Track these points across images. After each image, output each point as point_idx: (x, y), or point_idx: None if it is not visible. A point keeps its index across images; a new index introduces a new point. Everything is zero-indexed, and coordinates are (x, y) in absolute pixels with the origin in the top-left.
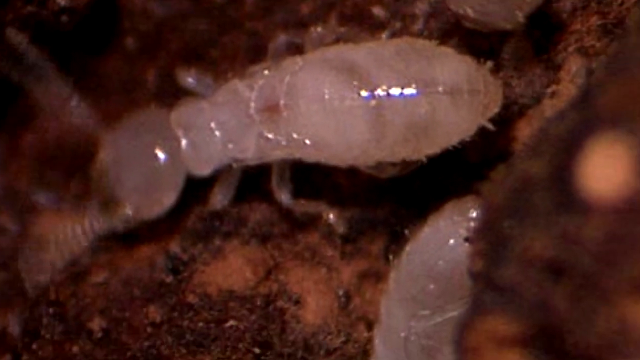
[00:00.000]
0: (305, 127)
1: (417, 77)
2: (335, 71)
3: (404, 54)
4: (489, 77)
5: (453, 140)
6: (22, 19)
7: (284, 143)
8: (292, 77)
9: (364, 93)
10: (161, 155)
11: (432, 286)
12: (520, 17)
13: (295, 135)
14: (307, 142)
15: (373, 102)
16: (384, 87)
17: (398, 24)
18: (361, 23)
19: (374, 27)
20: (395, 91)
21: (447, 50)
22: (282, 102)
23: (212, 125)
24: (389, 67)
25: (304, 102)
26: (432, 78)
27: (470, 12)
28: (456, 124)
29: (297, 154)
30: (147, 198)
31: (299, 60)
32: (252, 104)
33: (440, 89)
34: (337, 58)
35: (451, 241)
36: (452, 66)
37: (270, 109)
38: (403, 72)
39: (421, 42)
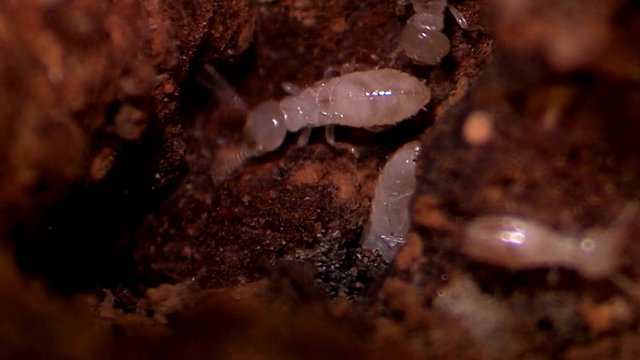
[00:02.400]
0: (340, 109)
1: (391, 86)
2: (353, 84)
3: (386, 75)
4: (424, 86)
5: (408, 115)
6: (211, 60)
7: (330, 116)
8: (334, 87)
9: (367, 94)
10: (275, 121)
11: (398, 182)
12: (438, 59)
13: (336, 113)
14: (341, 116)
15: (371, 98)
16: (376, 91)
17: (383, 62)
18: (366, 62)
19: (372, 63)
20: (381, 93)
21: (405, 74)
22: (330, 97)
23: (298, 108)
24: (378, 82)
25: (340, 98)
26: (398, 87)
27: (415, 57)
28: (409, 108)
29: (336, 122)
30: (269, 141)
31: (337, 79)
32: (316, 99)
33: (402, 92)
34: (355, 78)
35: (407, 161)
36: (407, 81)
37: (324, 101)
38: (385, 84)
39: (394, 71)
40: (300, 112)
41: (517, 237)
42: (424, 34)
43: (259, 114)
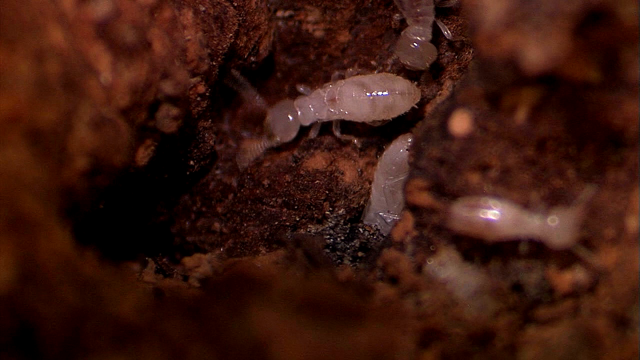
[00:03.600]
0: (345, 107)
1: (388, 87)
2: (356, 86)
3: (383, 78)
4: (416, 88)
5: (402, 112)
6: (237, 66)
7: (337, 113)
8: (340, 88)
9: (367, 94)
10: (290, 117)
11: (393, 168)
12: (427, 65)
13: (341, 110)
14: (346, 113)
15: (371, 97)
16: (375, 91)
17: (381, 67)
18: (367, 67)
19: (372, 68)
20: (380, 93)
21: (400, 77)
22: (336, 97)
23: (310, 106)
24: (377, 84)
25: (345, 98)
26: (394, 88)
27: (408, 63)
28: (403, 106)
29: (342, 117)
30: (285, 134)
31: (342, 82)
32: (325, 98)
33: (397, 92)
34: (357, 80)
35: (401, 150)
36: (402, 83)
37: (332, 100)
38: (382, 85)
39: (390, 74)
40: (312, 109)
41: (493, 214)
42: (415, 44)
43: (276, 111)
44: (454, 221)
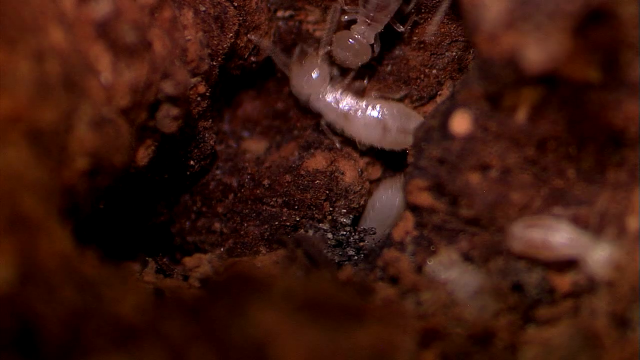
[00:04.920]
0: (354, 130)
1: (404, 126)
2: (373, 117)
3: (401, 112)
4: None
5: (408, 146)
6: (237, 66)
7: (342, 125)
8: (356, 112)
9: (381, 127)
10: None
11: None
12: (358, 64)
13: (349, 129)
14: (352, 133)
15: (384, 131)
16: (391, 126)
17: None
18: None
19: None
20: (394, 128)
21: (415, 113)
22: (350, 117)
23: (320, 95)
24: (395, 119)
25: (357, 123)
26: (408, 127)
27: (339, 57)
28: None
29: (346, 133)
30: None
31: (363, 103)
32: (338, 109)
33: (410, 132)
34: (376, 109)
35: (384, 198)
36: (416, 122)
37: (344, 115)
38: (399, 122)
39: (408, 110)
40: (320, 98)
41: (557, 236)
42: (352, 40)
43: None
44: (514, 242)
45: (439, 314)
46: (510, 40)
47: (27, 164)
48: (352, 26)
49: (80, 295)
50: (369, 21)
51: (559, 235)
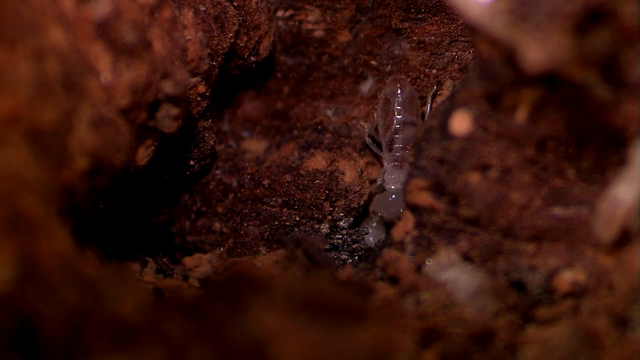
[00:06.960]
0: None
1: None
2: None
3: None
4: None
5: None
6: (237, 66)
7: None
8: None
9: None
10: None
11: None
12: (399, 216)
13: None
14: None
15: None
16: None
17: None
18: (367, 67)
19: (372, 68)
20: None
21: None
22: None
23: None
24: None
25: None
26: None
27: (384, 215)
28: None
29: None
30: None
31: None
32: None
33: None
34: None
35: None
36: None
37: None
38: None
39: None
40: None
41: None
42: (391, 197)
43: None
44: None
45: (438, 314)
46: (510, 40)
47: (27, 163)
48: (385, 177)
49: (80, 295)
50: (399, 164)
51: None
